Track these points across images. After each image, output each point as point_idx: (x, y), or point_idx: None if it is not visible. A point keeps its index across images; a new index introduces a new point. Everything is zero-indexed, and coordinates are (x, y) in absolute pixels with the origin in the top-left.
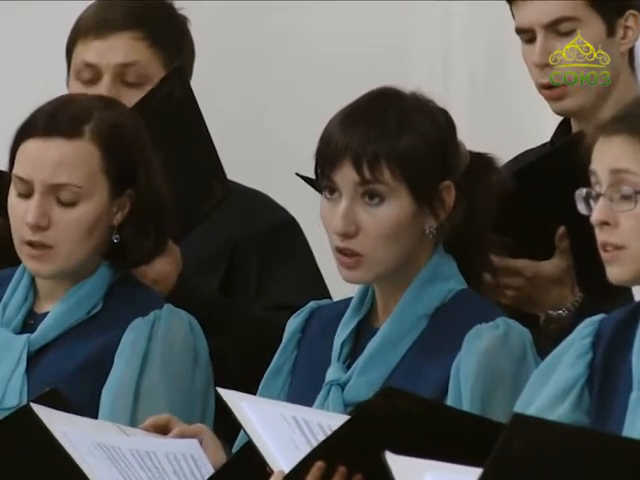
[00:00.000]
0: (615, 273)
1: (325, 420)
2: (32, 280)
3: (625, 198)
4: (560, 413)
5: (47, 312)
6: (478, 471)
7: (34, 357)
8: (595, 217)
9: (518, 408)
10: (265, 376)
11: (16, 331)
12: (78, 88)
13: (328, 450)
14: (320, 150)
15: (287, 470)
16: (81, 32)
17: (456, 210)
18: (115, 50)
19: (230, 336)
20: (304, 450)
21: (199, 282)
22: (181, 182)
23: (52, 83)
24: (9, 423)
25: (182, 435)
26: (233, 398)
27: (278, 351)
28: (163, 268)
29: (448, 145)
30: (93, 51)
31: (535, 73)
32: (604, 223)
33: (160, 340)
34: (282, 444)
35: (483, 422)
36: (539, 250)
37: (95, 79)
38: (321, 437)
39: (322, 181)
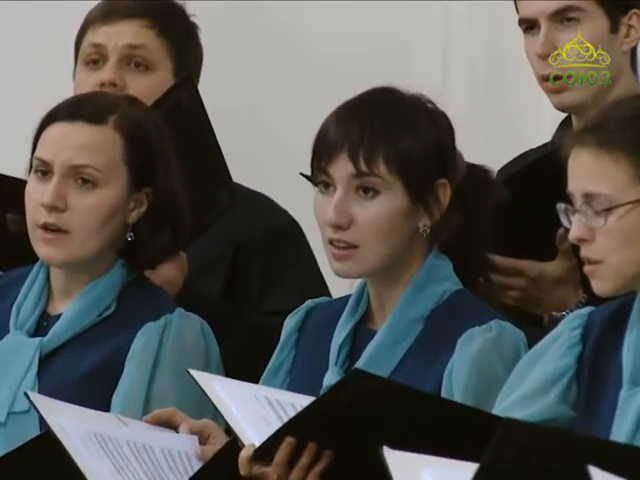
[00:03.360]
0: (598, 286)
1: (297, 401)
2: (47, 279)
3: (597, 215)
4: (545, 403)
5: (60, 314)
6: (475, 466)
7: (45, 360)
8: (571, 235)
9: (501, 396)
10: (263, 376)
11: (30, 333)
12: (85, 72)
13: (298, 427)
14: (317, 143)
15: (257, 444)
16: (90, 22)
17: (451, 212)
18: (123, 33)
19: (233, 342)
20: (275, 427)
21: (203, 288)
22: (188, 190)
23: (52, 84)
24: (29, 448)
25: (191, 431)
26: (205, 378)
27: (276, 351)
28: (169, 274)
29: (446, 148)
30: (101, 34)
31: (537, 64)
32: (581, 240)
33: (171, 345)
34: (253, 420)
35: (448, 403)
36: (542, 252)
37: (102, 60)
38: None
39: (317, 175)
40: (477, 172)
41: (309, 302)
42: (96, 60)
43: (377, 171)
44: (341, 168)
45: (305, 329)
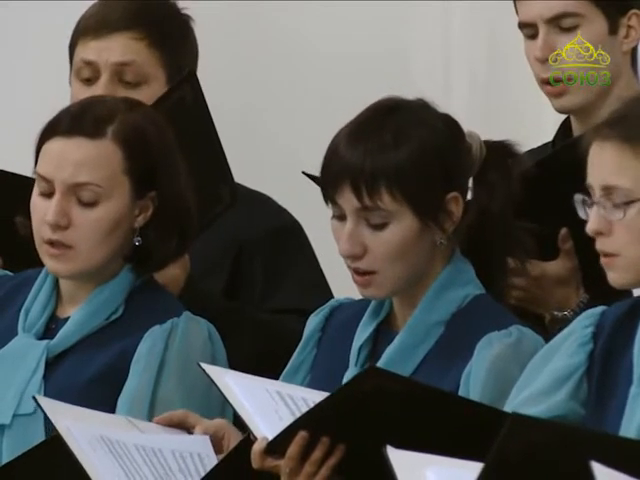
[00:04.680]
0: (614, 278)
1: (310, 396)
2: (55, 283)
3: (616, 207)
4: (555, 400)
5: (68, 317)
6: (478, 465)
7: (52, 363)
8: (589, 227)
9: (513, 394)
10: (283, 374)
11: (38, 336)
12: (79, 87)
13: (312, 421)
14: (323, 173)
15: (270, 437)
16: (81, 32)
17: (468, 214)
18: (113, 49)
19: (237, 341)
20: (287, 421)
21: (206, 287)
22: (191, 187)
23: (52, 86)
24: (38, 451)
25: (205, 432)
26: (217, 372)
27: (297, 349)
28: (172, 272)
29: (450, 153)
30: (92, 50)
31: (536, 68)
32: (598, 233)
33: (176, 349)
34: (266, 414)
35: (466, 402)
36: (545, 251)
37: (94, 78)
38: (305, 410)
39: (327, 201)
40: (499, 150)
41: (333, 301)
42: (89, 78)
43: (382, 204)
44: (347, 200)
45: (328, 328)
